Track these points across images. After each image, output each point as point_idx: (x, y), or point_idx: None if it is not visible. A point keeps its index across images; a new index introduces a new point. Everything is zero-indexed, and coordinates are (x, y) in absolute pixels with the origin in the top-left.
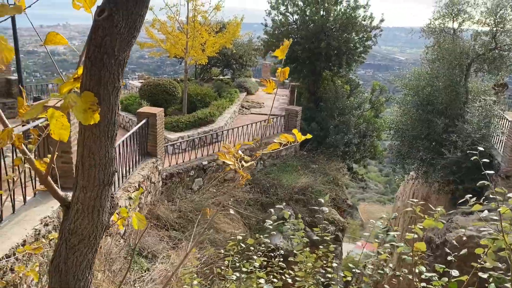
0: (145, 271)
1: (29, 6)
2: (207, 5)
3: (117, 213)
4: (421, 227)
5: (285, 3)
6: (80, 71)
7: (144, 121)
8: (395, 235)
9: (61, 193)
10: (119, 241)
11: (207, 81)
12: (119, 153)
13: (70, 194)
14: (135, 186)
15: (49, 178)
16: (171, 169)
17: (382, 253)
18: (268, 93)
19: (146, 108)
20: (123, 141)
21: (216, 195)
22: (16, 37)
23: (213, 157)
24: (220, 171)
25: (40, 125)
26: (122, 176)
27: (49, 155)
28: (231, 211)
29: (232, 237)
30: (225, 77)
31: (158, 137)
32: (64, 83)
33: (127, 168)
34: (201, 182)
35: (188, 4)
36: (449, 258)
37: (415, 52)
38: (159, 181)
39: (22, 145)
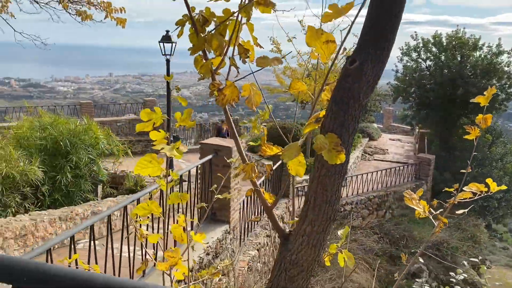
0: None
1: (257, 70)
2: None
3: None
4: None
5: (418, 50)
6: (322, 113)
7: (279, 162)
8: None
9: (281, 224)
10: (256, 277)
11: None
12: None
13: (286, 226)
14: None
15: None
16: (299, 211)
17: None
18: (391, 140)
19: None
20: (263, 180)
21: (345, 242)
22: (168, 82)
23: (341, 202)
24: (348, 217)
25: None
26: (259, 214)
27: (262, 189)
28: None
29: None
30: None
31: (292, 178)
32: (306, 124)
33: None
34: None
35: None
36: None
37: None
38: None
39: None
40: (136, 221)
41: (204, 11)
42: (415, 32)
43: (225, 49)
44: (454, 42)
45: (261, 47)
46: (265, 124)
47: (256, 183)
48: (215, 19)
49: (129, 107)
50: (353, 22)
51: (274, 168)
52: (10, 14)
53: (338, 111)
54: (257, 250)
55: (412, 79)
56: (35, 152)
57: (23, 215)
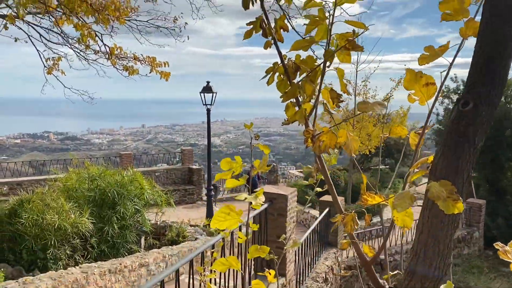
0: None
1: (356, 115)
2: (378, 97)
3: None
4: None
5: (458, 92)
6: (430, 158)
7: (326, 210)
8: None
9: (380, 281)
10: None
11: (365, 170)
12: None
13: (385, 282)
14: (322, 277)
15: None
16: (348, 261)
17: None
18: None
19: (327, 197)
20: (313, 229)
21: None
22: (209, 130)
23: (390, 251)
24: (398, 268)
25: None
26: (308, 265)
27: (365, 244)
28: None
29: None
30: (385, 166)
31: (340, 227)
32: (411, 169)
33: (312, 257)
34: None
35: (355, 97)
36: None
37: None
38: (339, 273)
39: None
40: (202, 274)
41: (294, 59)
42: (455, 74)
43: (316, 95)
44: None
45: (349, 94)
46: (301, 170)
47: (353, 236)
48: (303, 65)
49: (161, 157)
50: (451, 64)
51: (321, 216)
52: (61, 71)
53: (451, 156)
54: None
55: None
56: (84, 203)
57: (74, 268)
